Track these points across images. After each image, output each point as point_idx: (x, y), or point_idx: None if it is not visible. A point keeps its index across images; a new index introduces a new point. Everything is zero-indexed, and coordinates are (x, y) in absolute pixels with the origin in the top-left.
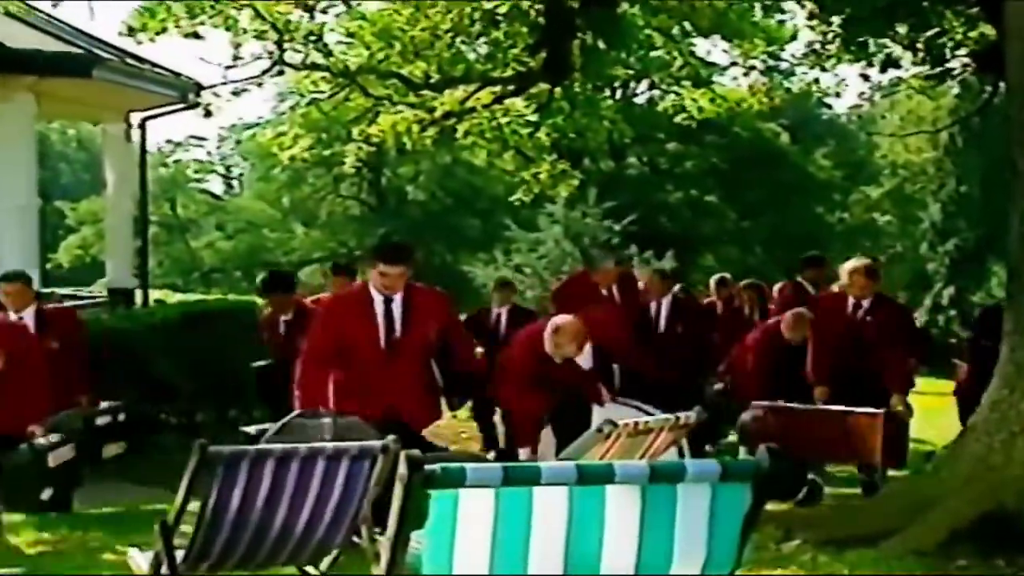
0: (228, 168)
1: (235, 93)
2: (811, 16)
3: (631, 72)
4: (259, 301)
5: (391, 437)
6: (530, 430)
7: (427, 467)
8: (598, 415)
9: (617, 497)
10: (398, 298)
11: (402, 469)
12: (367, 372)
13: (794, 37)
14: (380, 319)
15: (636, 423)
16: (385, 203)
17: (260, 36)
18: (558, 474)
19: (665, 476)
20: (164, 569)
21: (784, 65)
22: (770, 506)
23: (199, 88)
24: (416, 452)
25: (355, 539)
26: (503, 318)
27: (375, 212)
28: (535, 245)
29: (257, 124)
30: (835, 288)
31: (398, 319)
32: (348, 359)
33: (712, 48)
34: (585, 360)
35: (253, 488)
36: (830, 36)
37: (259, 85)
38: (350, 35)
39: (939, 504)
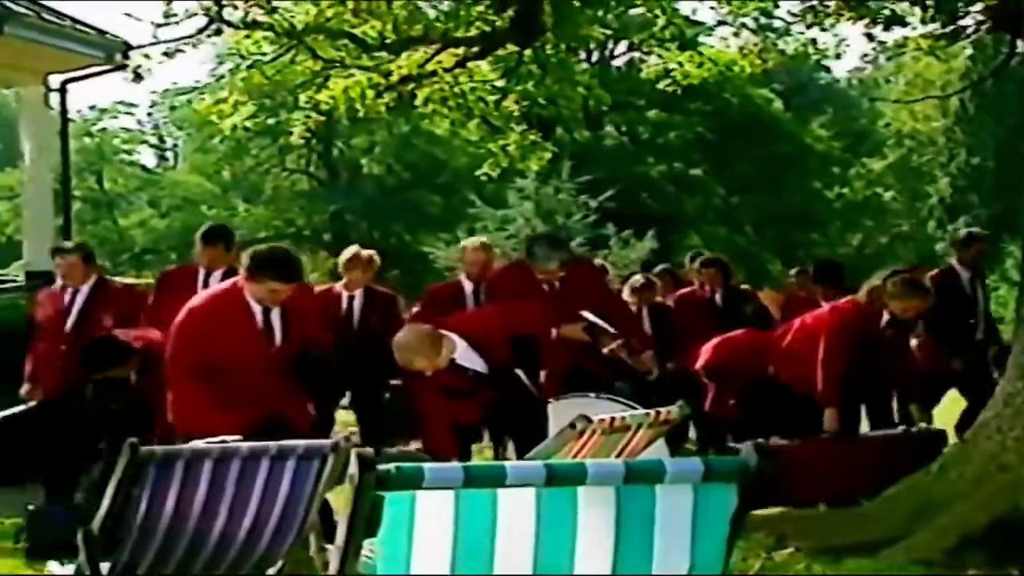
0: (161, 138)
1: (168, 54)
2: None
3: (608, 32)
4: None
5: (342, 435)
6: (443, 436)
7: (381, 467)
8: (565, 412)
9: (590, 499)
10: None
11: (353, 469)
12: (245, 382)
13: None
14: (260, 329)
15: (612, 419)
16: (336, 177)
17: None
18: (525, 474)
19: (642, 476)
20: None
21: (778, 24)
22: (760, 510)
23: (127, 48)
24: (369, 450)
25: (303, 548)
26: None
27: (325, 187)
28: (503, 223)
29: (193, 89)
30: (861, 297)
31: (278, 329)
32: (221, 370)
33: (698, 5)
34: (471, 360)
35: (189, 491)
36: None
37: (195, 46)
38: None
39: (947, 507)
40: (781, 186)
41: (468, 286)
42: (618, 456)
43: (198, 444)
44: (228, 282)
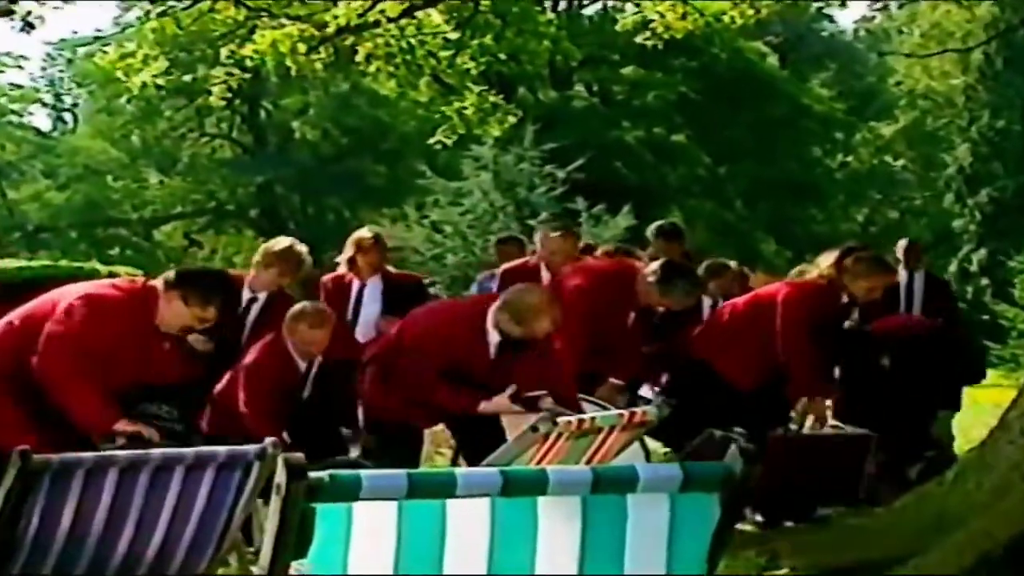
0: (58, 97)
1: None
2: None
3: None
4: (101, 268)
5: (270, 440)
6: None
7: (313, 475)
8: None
9: (552, 511)
10: None
11: (280, 477)
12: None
13: None
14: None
15: (581, 420)
16: (264, 144)
17: None
18: (478, 482)
19: (612, 484)
20: None
21: None
22: (749, 525)
23: None
24: (299, 456)
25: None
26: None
27: (251, 155)
28: (457, 197)
29: (95, 40)
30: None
31: None
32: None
33: None
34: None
35: (90, 504)
36: None
37: None
38: None
39: (963, 522)
40: (775, 154)
41: (546, 275)
42: (587, 463)
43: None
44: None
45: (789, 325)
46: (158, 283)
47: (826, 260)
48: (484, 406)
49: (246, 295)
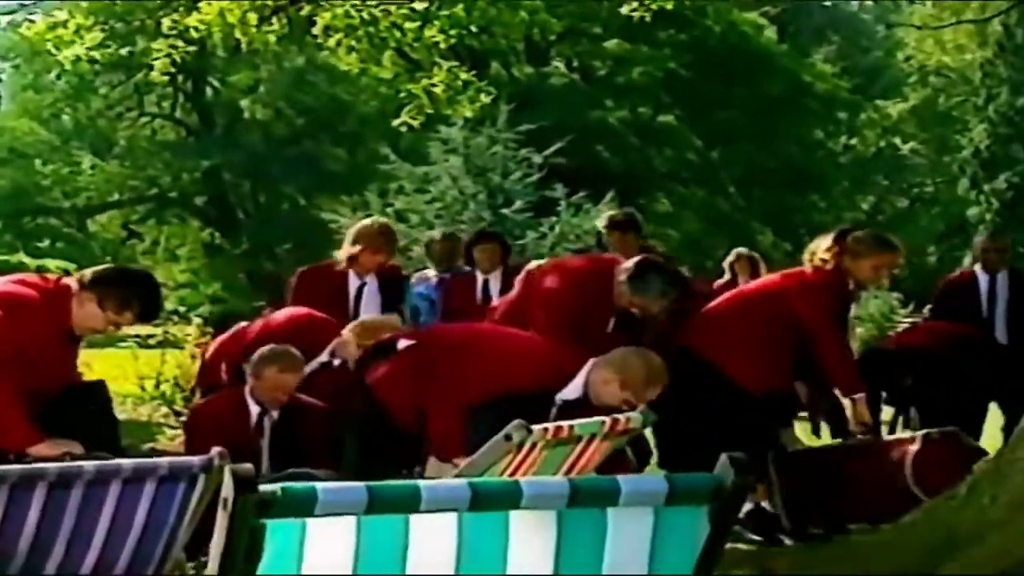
0: None
1: None
2: None
3: None
4: (29, 261)
5: (217, 450)
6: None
7: (263, 488)
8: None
9: (525, 526)
10: None
11: (227, 491)
12: None
13: None
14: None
15: (558, 428)
16: (210, 125)
17: None
18: (444, 496)
19: (591, 497)
20: None
21: None
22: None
23: None
24: (247, 467)
25: None
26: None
27: (196, 138)
28: (424, 184)
29: (22, 7)
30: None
31: None
32: None
33: None
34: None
35: (14, 523)
36: None
37: None
38: None
39: (978, 540)
40: (773, 136)
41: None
42: (565, 474)
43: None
44: None
45: (819, 319)
46: (71, 282)
47: (822, 244)
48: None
49: (353, 282)
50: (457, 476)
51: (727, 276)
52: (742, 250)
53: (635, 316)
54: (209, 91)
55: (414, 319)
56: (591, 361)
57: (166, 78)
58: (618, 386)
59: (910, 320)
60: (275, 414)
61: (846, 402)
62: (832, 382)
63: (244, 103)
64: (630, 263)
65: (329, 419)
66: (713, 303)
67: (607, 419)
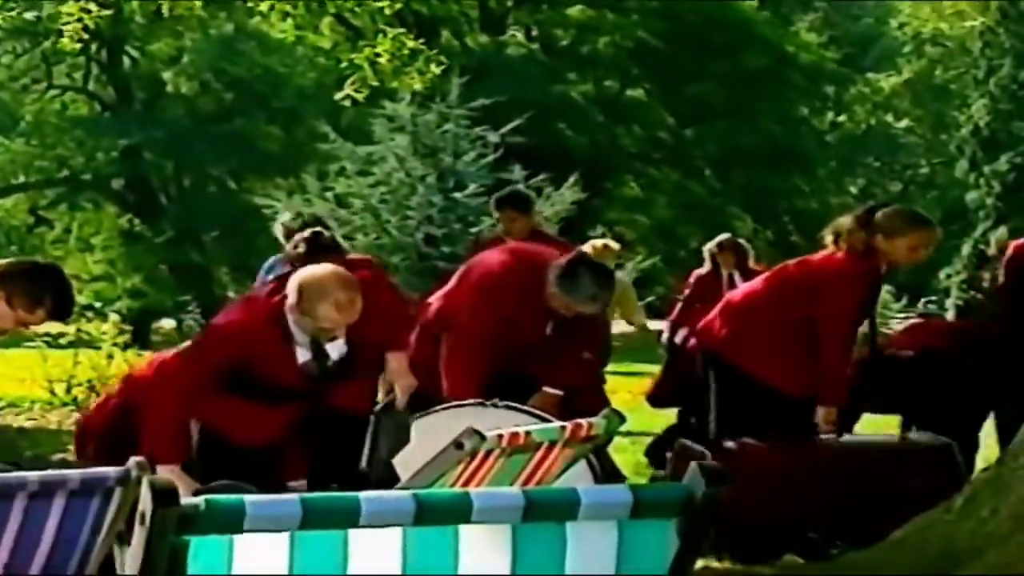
0: None
1: None
2: None
3: None
4: None
5: (135, 460)
6: None
7: (185, 501)
8: (439, 427)
9: (476, 542)
10: None
11: (145, 504)
12: None
13: None
14: None
15: (514, 435)
16: (128, 99)
17: None
18: (387, 509)
19: (548, 510)
20: None
21: None
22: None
23: None
24: (167, 479)
25: None
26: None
27: (113, 113)
28: (368, 165)
29: None
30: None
31: None
32: None
33: None
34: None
35: None
36: None
37: None
38: None
39: (976, 555)
40: (753, 113)
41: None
42: (523, 485)
43: None
44: None
45: (835, 318)
46: None
47: (845, 223)
48: None
49: None
50: (403, 488)
51: (707, 266)
52: (726, 237)
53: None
54: (126, 61)
55: None
56: None
57: (78, 46)
58: (299, 314)
59: (904, 315)
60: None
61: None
62: (819, 383)
63: (166, 75)
64: (562, 260)
65: None
66: (735, 299)
67: (568, 425)
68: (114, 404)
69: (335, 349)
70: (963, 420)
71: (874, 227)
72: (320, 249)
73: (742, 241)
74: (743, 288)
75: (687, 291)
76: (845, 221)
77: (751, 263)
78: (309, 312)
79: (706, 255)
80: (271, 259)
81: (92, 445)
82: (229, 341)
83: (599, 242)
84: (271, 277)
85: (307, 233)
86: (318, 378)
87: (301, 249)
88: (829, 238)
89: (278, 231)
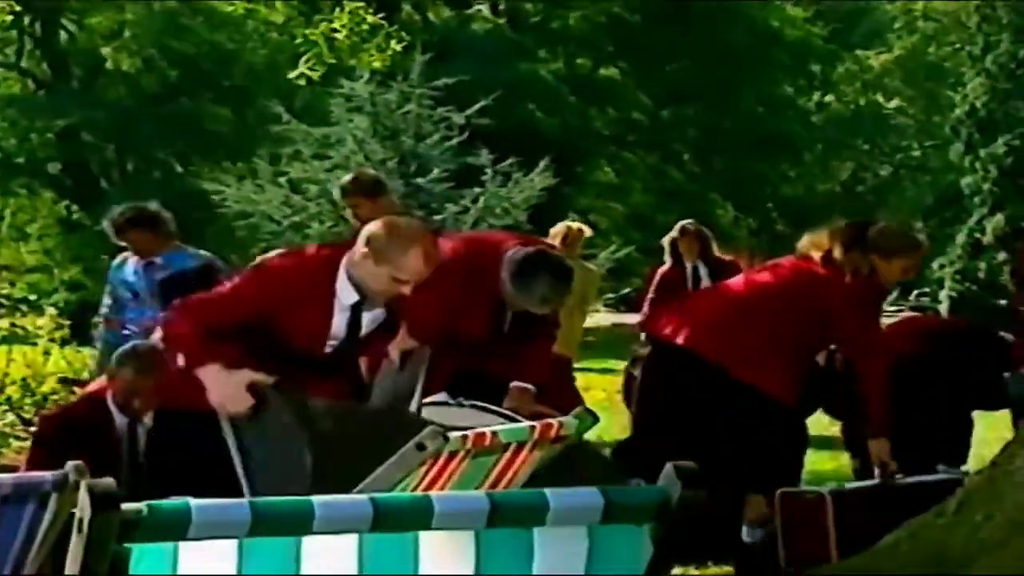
0: None
1: None
2: None
3: None
4: None
5: (73, 464)
6: None
7: (126, 506)
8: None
9: (437, 549)
10: None
11: (83, 511)
12: None
13: None
14: None
15: (480, 435)
16: (66, 77)
17: None
18: (343, 514)
19: (514, 514)
20: None
21: None
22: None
23: None
24: (107, 482)
25: None
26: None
27: (49, 92)
28: (324, 148)
29: None
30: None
31: None
32: None
33: None
34: None
35: None
36: None
37: None
38: None
39: (968, 563)
40: (735, 93)
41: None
42: (490, 487)
43: None
44: None
45: (867, 344)
46: None
47: (818, 241)
48: None
49: None
50: (359, 491)
51: (668, 259)
52: (688, 223)
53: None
54: (63, 36)
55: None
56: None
57: (9, 18)
58: (372, 262)
59: (895, 308)
60: (148, 420)
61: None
62: (865, 415)
63: (106, 51)
64: (518, 255)
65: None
66: (712, 301)
67: (537, 424)
68: (71, 416)
69: (371, 320)
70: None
71: (870, 246)
72: None
73: (704, 229)
74: (723, 292)
75: (652, 293)
76: (815, 241)
77: (715, 250)
78: (389, 260)
79: (666, 246)
80: (120, 256)
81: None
82: (272, 285)
83: (574, 225)
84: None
85: None
86: (338, 352)
87: None
88: (815, 254)
89: None
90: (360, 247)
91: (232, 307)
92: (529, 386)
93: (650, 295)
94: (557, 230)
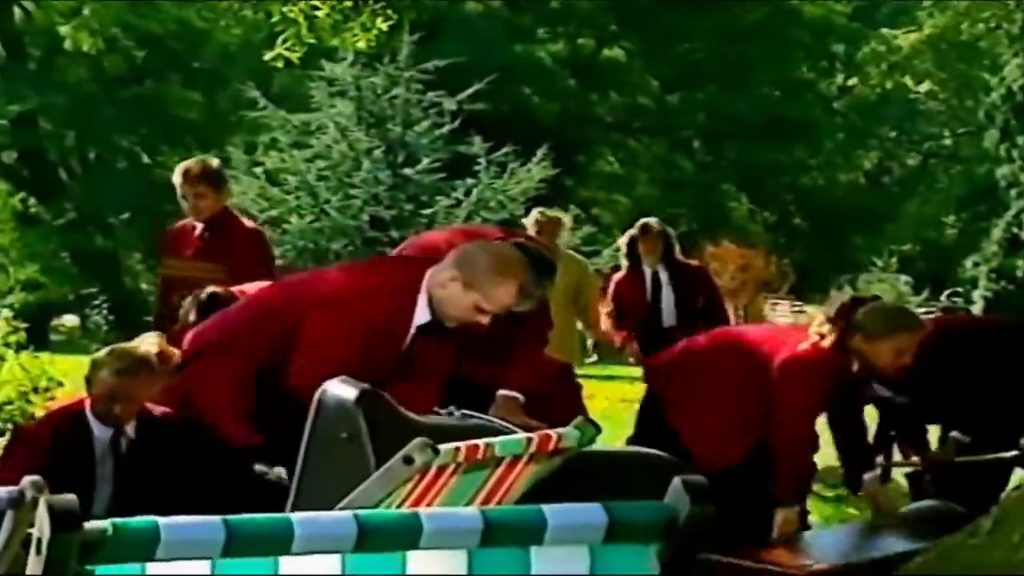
0: None
1: None
2: None
3: None
4: None
5: (29, 479)
6: None
7: (89, 526)
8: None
9: (425, 569)
10: None
11: (41, 530)
12: None
13: None
14: None
15: (472, 448)
16: (21, 58)
17: None
18: (324, 532)
19: (510, 532)
20: None
21: None
22: None
23: None
24: (69, 499)
25: None
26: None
27: (3, 74)
28: (304, 136)
29: None
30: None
31: None
32: None
33: None
34: None
35: None
36: None
37: None
38: None
39: None
40: (749, 76)
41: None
42: (482, 503)
43: None
44: None
45: (794, 412)
46: None
47: (823, 315)
48: None
49: None
50: (342, 508)
51: (625, 262)
52: (651, 221)
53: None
54: (18, 13)
55: None
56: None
57: None
58: (461, 286)
59: (924, 311)
60: (131, 431)
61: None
62: (776, 479)
63: (65, 30)
64: (498, 249)
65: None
66: (697, 359)
67: (535, 435)
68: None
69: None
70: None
71: (853, 324)
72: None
73: (668, 228)
74: (712, 353)
75: (610, 304)
76: (821, 313)
77: (677, 253)
78: (478, 287)
79: (622, 248)
80: None
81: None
82: (363, 318)
83: (549, 212)
84: None
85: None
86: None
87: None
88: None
89: None
90: (450, 269)
91: (329, 351)
92: (515, 394)
93: (607, 308)
94: (529, 220)
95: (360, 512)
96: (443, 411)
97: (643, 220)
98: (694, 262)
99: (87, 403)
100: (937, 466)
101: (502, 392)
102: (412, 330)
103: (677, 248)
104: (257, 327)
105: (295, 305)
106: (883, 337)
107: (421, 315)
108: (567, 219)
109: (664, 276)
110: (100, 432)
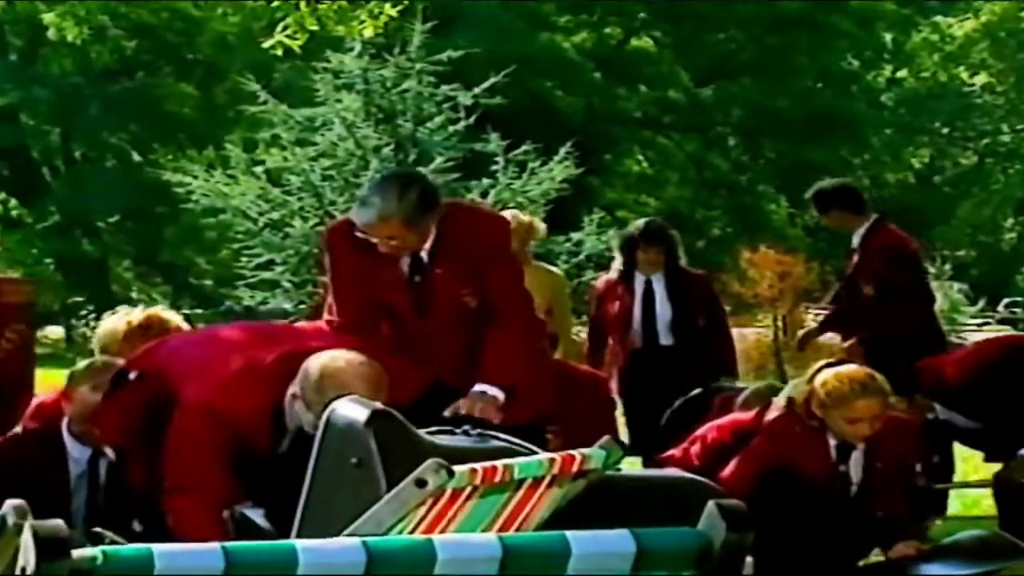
0: None
1: None
2: None
3: None
4: None
5: (12, 503)
6: None
7: (77, 554)
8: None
9: None
10: None
11: (27, 556)
12: None
13: None
14: None
15: (491, 469)
16: (3, 49)
17: None
18: (332, 559)
19: (530, 561)
20: None
21: None
22: None
23: None
24: (56, 525)
25: None
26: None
27: None
28: (308, 133)
29: None
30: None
31: None
32: None
33: None
34: None
35: None
36: None
37: None
38: None
39: None
40: (789, 66)
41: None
42: (500, 529)
43: None
44: None
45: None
46: None
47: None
48: None
49: None
50: (351, 534)
51: (616, 265)
52: (655, 221)
53: None
54: (3, 7)
55: None
56: None
57: None
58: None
59: (980, 322)
60: (111, 453)
61: None
62: None
63: (49, 18)
64: None
65: None
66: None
67: (556, 457)
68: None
69: None
70: None
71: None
72: None
73: (672, 230)
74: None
75: (594, 311)
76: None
77: (681, 256)
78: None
79: (615, 249)
80: None
81: None
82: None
83: (523, 217)
84: None
85: None
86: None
87: None
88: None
89: None
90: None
91: None
92: (490, 389)
93: (592, 311)
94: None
95: (369, 539)
96: (458, 430)
97: (646, 220)
98: (695, 270)
99: (63, 422)
100: (1004, 484)
101: (480, 388)
102: None
103: (682, 256)
104: None
105: None
106: (833, 406)
107: None
108: (540, 225)
109: (659, 287)
110: (78, 453)
